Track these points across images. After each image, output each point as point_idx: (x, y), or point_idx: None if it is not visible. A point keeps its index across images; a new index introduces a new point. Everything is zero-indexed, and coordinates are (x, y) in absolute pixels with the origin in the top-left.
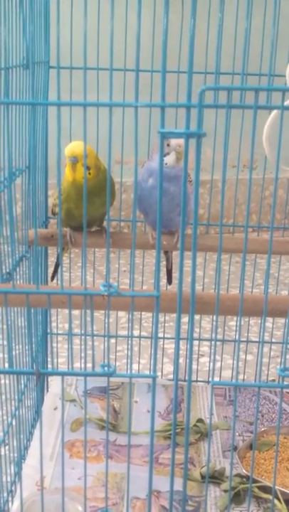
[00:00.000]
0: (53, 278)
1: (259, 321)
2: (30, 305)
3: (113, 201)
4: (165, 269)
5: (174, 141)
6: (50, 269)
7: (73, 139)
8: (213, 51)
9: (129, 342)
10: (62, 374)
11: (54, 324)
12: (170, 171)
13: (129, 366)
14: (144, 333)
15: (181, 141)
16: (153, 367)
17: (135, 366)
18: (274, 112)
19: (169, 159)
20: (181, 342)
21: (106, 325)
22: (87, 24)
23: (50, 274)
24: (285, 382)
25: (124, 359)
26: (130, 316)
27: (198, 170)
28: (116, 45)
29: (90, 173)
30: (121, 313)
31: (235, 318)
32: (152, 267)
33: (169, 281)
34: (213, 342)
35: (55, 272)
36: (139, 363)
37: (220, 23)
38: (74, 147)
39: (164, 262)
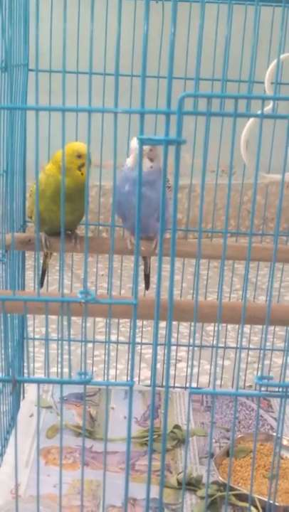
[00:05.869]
0: (42, 283)
1: (236, 327)
2: (6, 311)
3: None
4: (143, 273)
5: (132, 144)
6: (28, 273)
7: (52, 143)
8: (192, 56)
9: (107, 348)
10: (39, 381)
11: (30, 329)
12: (146, 176)
13: (106, 373)
14: (121, 338)
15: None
16: (130, 374)
17: (112, 372)
18: (252, 118)
19: (129, 160)
20: (158, 347)
21: (84, 330)
22: (67, 27)
23: (27, 278)
24: (263, 389)
25: (101, 364)
26: (108, 321)
27: (177, 176)
28: (95, 49)
29: (82, 174)
30: (98, 318)
31: (213, 324)
32: (130, 271)
33: (147, 286)
34: (191, 348)
35: (43, 277)
36: (116, 368)
37: (200, 29)
38: (84, 147)
39: (142, 267)
